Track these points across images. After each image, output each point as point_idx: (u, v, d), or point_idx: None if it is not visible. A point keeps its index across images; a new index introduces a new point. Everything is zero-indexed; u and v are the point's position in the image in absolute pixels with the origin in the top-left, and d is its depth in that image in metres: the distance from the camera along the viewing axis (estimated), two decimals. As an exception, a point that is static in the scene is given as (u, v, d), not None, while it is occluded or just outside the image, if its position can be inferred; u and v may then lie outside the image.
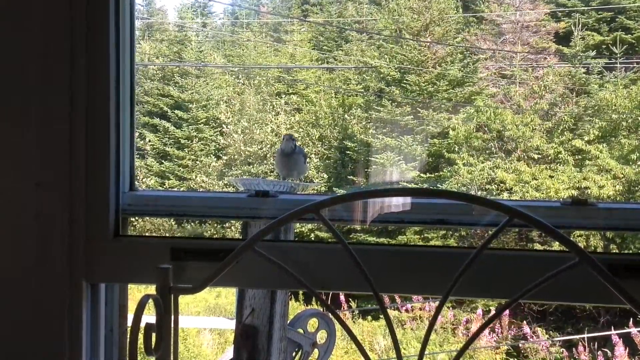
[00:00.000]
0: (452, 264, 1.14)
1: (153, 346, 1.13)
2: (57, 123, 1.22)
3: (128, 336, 1.12)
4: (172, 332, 1.16)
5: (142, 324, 1.15)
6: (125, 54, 1.29)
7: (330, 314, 2.26)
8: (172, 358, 1.16)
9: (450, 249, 1.24)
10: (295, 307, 9.48)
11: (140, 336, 1.13)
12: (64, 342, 1.24)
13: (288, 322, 2.44)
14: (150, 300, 1.15)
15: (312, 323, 2.58)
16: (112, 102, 1.25)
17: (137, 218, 12.53)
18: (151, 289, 1.22)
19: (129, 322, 1.21)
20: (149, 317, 1.18)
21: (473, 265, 1.10)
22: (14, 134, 1.23)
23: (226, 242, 1.26)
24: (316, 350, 2.53)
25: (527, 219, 1.08)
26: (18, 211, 1.23)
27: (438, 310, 1.11)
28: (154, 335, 1.13)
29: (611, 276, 1.05)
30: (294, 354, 2.49)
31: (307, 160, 2.06)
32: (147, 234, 12.72)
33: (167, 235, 13.52)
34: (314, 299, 10.64)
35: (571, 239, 1.11)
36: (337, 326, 2.63)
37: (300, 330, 2.52)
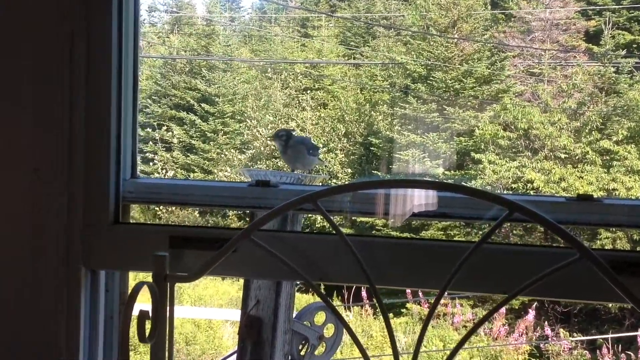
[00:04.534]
0: (453, 258, 1.12)
1: (147, 334, 1.12)
2: (55, 108, 1.22)
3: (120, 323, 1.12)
4: (167, 320, 1.15)
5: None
6: (129, 38, 1.29)
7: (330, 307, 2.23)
8: (167, 346, 1.15)
9: (452, 242, 1.22)
10: (306, 299, 9.45)
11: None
12: (61, 327, 1.24)
13: (295, 314, 2.43)
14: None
15: (320, 316, 2.57)
16: (113, 87, 1.24)
17: (161, 208, 12.61)
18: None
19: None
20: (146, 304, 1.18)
21: (472, 259, 1.08)
22: (11, 119, 1.23)
23: (226, 231, 1.25)
24: (323, 344, 2.52)
25: (528, 212, 1.06)
26: (15, 197, 1.23)
27: (435, 303, 1.09)
28: (148, 322, 1.12)
29: (612, 272, 1.03)
30: (300, 346, 2.48)
31: (316, 151, 1.93)
32: (151, 222, 12.79)
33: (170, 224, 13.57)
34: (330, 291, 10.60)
35: (574, 235, 1.08)
36: (346, 319, 2.60)
37: (307, 323, 2.51)
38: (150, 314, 1.13)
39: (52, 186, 1.22)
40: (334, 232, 1.18)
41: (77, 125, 1.21)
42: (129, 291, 1.27)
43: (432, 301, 1.06)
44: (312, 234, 1.25)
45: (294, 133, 2.04)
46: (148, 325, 1.13)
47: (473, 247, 1.07)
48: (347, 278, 1.20)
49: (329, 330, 2.51)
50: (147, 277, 1.22)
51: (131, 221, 1.32)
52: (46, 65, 1.22)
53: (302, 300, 8.93)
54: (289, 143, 1.96)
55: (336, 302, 9.96)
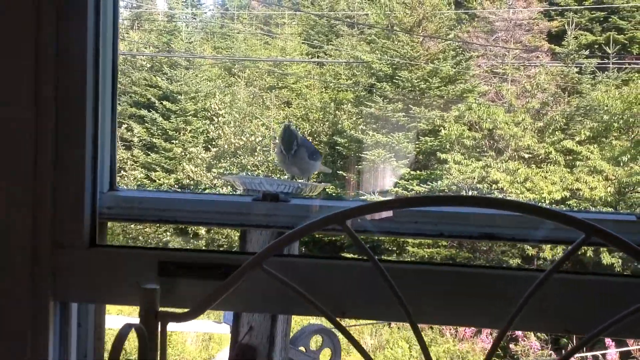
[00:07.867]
0: (508, 290, 0.92)
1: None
2: (20, 110, 0.99)
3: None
4: (159, 368, 0.93)
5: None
6: (107, 31, 1.06)
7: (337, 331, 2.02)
8: (158, 401, 0.93)
9: (505, 270, 1.02)
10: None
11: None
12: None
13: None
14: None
15: (316, 340, 2.35)
16: (89, 87, 1.02)
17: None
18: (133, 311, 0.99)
19: (108, 345, 0.98)
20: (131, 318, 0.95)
21: (538, 292, 0.88)
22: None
23: (226, 255, 1.03)
24: (320, 370, 2.31)
25: (607, 236, 0.87)
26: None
27: (495, 345, 0.89)
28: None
29: None
30: (295, 374, 2.26)
31: (318, 156, 1.70)
32: (131, 244, 12.39)
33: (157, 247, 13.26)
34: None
35: None
36: (342, 343, 2.39)
37: (302, 349, 2.28)
38: (138, 362, 0.91)
39: (14, 202, 0.98)
40: (358, 257, 0.97)
41: (46, 129, 0.98)
42: (114, 335, 1.05)
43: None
44: (331, 259, 1.04)
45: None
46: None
47: (542, 277, 0.87)
48: (377, 313, 0.99)
49: (325, 355, 2.29)
50: (128, 308, 1.00)
51: (109, 243, 1.09)
52: (11, 64, 0.99)
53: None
54: (295, 143, 1.69)
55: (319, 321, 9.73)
